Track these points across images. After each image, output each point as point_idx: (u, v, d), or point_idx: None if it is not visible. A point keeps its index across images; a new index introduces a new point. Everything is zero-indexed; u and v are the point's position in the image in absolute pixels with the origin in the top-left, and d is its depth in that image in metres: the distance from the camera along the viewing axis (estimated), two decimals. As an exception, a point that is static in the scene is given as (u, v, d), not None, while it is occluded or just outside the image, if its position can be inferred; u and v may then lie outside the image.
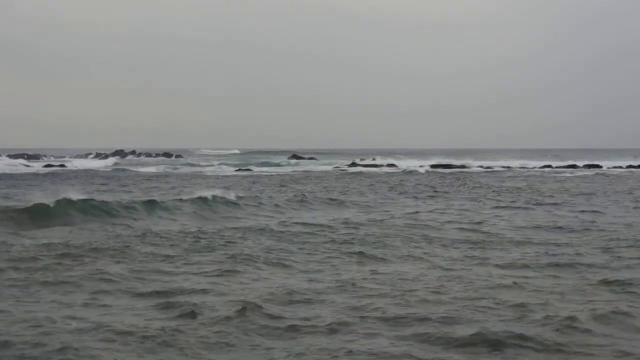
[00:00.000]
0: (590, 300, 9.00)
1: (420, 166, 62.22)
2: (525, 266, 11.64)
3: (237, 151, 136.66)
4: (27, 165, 64.31)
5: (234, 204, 21.95)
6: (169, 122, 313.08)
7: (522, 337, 7.25)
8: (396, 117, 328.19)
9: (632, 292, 9.53)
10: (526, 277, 10.62)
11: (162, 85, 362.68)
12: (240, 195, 24.48)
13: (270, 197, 26.21)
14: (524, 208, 22.85)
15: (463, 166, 62.35)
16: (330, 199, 25.39)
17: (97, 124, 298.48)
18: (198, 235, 15.22)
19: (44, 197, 19.99)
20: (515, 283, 10.07)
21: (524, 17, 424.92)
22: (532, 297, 9.21)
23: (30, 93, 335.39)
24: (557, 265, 11.69)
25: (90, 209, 18.91)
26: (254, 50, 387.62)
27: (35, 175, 47.28)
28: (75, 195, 19.91)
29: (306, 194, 27.21)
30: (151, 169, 60.30)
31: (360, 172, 54.44)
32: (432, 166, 62.15)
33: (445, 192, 30.92)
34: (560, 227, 17.06)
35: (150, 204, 20.42)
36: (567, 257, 12.45)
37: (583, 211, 21.49)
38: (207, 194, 22.24)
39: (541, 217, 19.75)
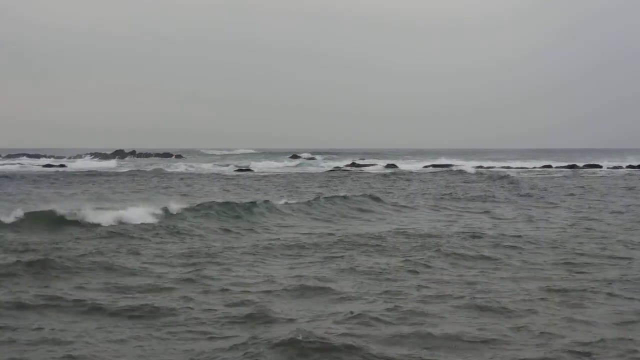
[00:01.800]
0: None
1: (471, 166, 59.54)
2: None
3: (242, 151, 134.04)
4: (59, 165, 62.28)
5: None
6: (168, 122, 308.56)
7: None
8: (396, 117, 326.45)
9: None
10: None
11: (161, 86, 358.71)
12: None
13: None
14: None
15: (508, 167, 61.41)
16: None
17: (96, 124, 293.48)
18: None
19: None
20: None
21: (524, 18, 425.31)
22: None
23: (30, 93, 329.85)
24: None
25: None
26: (253, 51, 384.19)
27: (73, 175, 44.42)
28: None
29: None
30: (180, 169, 57.59)
31: (401, 172, 52.29)
32: (476, 167, 59.48)
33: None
34: None
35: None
36: None
37: None
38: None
39: None
